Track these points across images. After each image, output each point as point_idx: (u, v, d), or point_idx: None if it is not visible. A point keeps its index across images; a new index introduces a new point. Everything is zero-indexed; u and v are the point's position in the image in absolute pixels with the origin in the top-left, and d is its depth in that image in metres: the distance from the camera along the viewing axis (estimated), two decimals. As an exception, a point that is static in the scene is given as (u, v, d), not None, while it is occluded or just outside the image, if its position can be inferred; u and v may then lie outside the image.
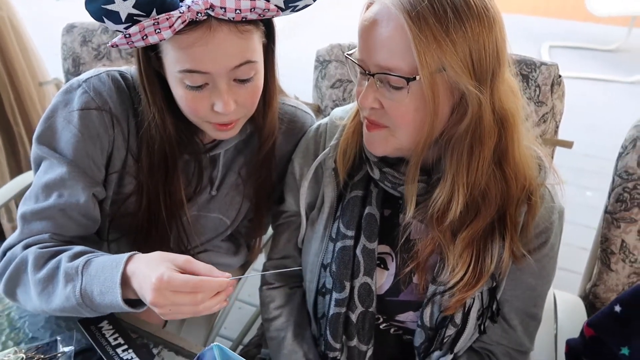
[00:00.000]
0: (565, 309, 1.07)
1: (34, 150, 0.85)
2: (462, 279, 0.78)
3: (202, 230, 1.02)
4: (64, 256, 0.77)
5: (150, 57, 0.80)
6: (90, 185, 0.84)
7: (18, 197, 1.40)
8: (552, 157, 1.15)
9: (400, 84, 0.68)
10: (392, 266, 0.86)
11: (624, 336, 0.77)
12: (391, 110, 0.72)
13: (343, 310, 0.85)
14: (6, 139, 1.95)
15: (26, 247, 0.80)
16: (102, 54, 1.40)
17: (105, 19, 0.69)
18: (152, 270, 0.69)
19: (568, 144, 1.09)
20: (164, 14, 0.69)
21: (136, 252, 0.75)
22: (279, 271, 0.74)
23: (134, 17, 0.69)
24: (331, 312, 0.86)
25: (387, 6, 0.67)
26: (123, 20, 0.69)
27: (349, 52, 0.75)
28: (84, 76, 0.86)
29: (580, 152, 2.80)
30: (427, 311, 0.82)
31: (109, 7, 0.67)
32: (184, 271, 0.70)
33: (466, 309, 0.82)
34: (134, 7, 0.68)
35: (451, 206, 0.74)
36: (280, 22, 0.84)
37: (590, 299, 1.12)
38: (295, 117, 1.00)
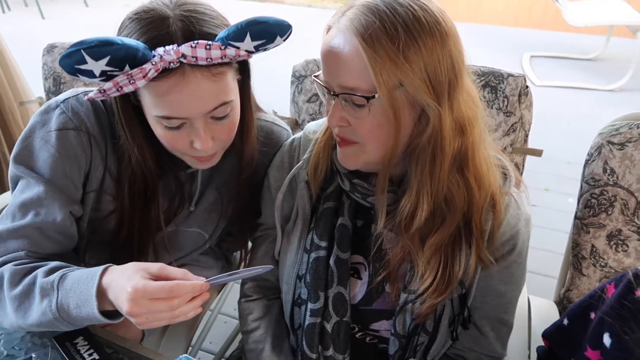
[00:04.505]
0: (539, 314, 1.09)
1: (11, 170, 0.86)
2: (431, 284, 0.79)
3: (181, 245, 1.03)
4: (40, 272, 0.77)
5: (129, 95, 0.81)
6: (67, 204, 0.85)
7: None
8: (523, 165, 1.18)
9: (362, 102, 0.70)
10: (365, 275, 0.88)
11: (570, 349, 0.78)
12: (358, 127, 0.74)
13: (318, 320, 0.87)
14: (-11, 158, 1.95)
15: (1, 264, 0.80)
16: (83, 72, 1.42)
17: (79, 75, 0.70)
18: (127, 281, 0.70)
19: (537, 152, 1.12)
20: (137, 69, 0.71)
21: (111, 264, 0.76)
22: (251, 269, 0.74)
23: (108, 73, 0.71)
24: (307, 322, 0.87)
25: (343, 30, 0.70)
26: (97, 75, 0.71)
27: (316, 75, 0.77)
28: (61, 97, 0.87)
29: (562, 159, 2.84)
30: (400, 319, 0.84)
31: (82, 67, 0.69)
32: (158, 278, 0.71)
33: (437, 316, 0.84)
34: (106, 65, 0.69)
35: (417, 213, 0.76)
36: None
37: (564, 303, 1.14)
38: (272, 133, 1.02)
